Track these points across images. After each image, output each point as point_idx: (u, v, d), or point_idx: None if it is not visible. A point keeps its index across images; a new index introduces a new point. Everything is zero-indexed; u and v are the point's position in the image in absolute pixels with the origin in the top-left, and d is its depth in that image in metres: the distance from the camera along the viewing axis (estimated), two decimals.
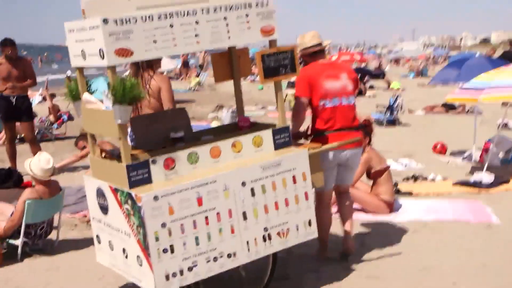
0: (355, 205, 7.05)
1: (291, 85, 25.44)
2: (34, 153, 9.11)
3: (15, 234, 5.84)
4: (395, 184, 8.34)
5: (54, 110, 14.66)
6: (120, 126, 4.01)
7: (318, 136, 5.35)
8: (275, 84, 4.70)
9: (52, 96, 16.24)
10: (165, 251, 4.04)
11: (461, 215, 7.30)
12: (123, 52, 3.97)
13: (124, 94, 3.92)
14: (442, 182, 9.15)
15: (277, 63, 4.61)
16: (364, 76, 26.62)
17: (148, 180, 4.12)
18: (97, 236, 4.69)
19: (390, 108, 15.75)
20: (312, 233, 4.73)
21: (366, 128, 7.18)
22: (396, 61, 55.66)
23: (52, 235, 6.33)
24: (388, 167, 7.50)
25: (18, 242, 5.82)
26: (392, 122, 15.58)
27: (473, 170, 9.49)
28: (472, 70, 12.22)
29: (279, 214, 4.52)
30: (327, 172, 5.32)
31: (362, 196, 7.31)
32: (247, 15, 4.42)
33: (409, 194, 8.35)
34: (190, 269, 4.14)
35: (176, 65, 33.65)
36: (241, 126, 4.97)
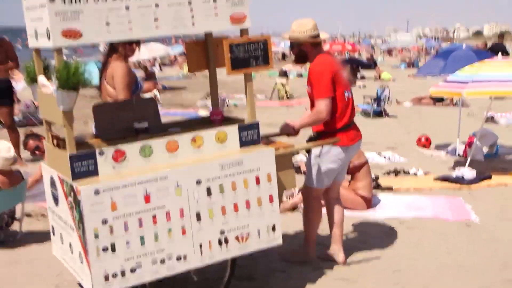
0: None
1: (283, 73, 25.69)
2: (12, 140, 8.88)
3: None
4: (376, 178, 8.13)
5: None
6: (64, 112, 3.70)
7: (342, 131, 4.99)
8: (245, 76, 4.30)
9: None
10: (105, 249, 3.70)
11: (440, 212, 7.00)
12: (71, 33, 3.62)
13: (67, 79, 3.59)
14: (424, 177, 8.86)
15: (247, 54, 4.20)
16: (356, 66, 26.92)
17: (93, 172, 3.78)
18: (52, 227, 4.39)
19: (377, 99, 15.59)
20: (276, 239, 4.33)
21: None
22: (389, 52, 55.80)
23: (16, 227, 5.99)
24: (366, 162, 7.13)
25: None
26: (379, 113, 15.45)
27: (456, 165, 9.18)
28: (457, 62, 11.73)
29: (238, 217, 4.14)
30: (333, 169, 5.05)
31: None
32: (215, 1, 4.04)
33: (389, 189, 8.03)
34: (133, 270, 3.80)
35: (168, 52, 32.99)
36: (213, 119, 4.60)
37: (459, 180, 8.28)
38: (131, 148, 3.89)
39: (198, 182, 3.96)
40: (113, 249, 3.72)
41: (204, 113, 15.93)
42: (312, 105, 5.06)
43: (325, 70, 4.92)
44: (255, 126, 4.32)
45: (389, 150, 10.84)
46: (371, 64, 30.56)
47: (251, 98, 4.31)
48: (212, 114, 4.61)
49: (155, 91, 18.94)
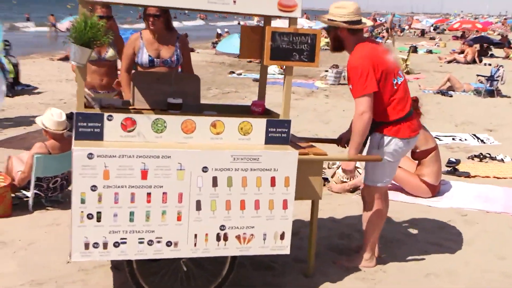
0: (395, 185, 6.25)
1: (413, 49, 24.86)
2: None
3: (29, 186, 5.38)
4: (456, 162, 7.41)
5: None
6: (78, 68, 3.37)
7: (404, 120, 4.19)
8: (286, 69, 3.73)
9: None
10: (90, 216, 3.32)
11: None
12: None
13: (82, 33, 3.26)
14: (511, 164, 7.68)
15: (291, 46, 3.61)
16: (486, 44, 26.22)
17: (98, 135, 3.40)
18: None
19: (491, 78, 14.63)
20: (283, 248, 3.69)
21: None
22: None
23: None
24: (435, 148, 6.23)
25: (29, 194, 5.38)
26: (491, 92, 14.46)
27: None
28: None
29: (244, 216, 3.57)
30: (393, 164, 4.30)
31: (402, 175, 6.14)
32: None
33: (467, 175, 7.07)
34: (116, 244, 3.39)
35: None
36: (252, 110, 4.08)
37: None
38: (144, 120, 3.46)
39: (204, 169, 3.45)
40: (99, 219, 3.33)
41: (320, 84, 15.88)
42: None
43: (362, 64, 4.04)
44: (286, 124, 3.71)
45: (487, 132, 9.94)
46: (504, 43, 28.47)
47: (287, 93, 3.71)
48: (253, 104, 4.08)
49: None
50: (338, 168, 6.53)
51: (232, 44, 23.77)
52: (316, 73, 18.00)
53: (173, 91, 4.00)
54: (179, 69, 5.28)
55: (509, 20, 64.31)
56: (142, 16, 5.20)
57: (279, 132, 3.69)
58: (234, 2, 3.45)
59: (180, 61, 5.14)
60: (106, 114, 3.42)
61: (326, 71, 16.86)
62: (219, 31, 32.08)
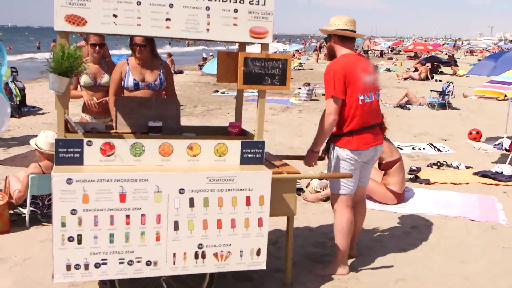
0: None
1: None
2: None
3: (25, 203, 4.98)
4: (417, 170, 7.18)
5: None
6: (57, 96, 3.01)
7: (352, 134, 3.88)
8: (258, 92, 3.39)
9: None
10: (70, 239, 2.94)
11: (469, 211, 5.69)
12: (75, 20, 2.92)
13: (59, 63, 2.90)
14: (465, 170, 7.43)
15: (263, 70, 3.27)
16: (436, 63, 26.50)
17: (78, 160, 3.04)
18: None
19: (442, 93, 14.63)
20: (259, 264, 3.33)
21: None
22: (471, 51, 54.51)
23: None
24: (398, 159, 5.91)
25: (25, 211, 4.97)
26: (443, 105, 14.35)
27: (500, 160, 7.86)
28: (506, 64, 9.86)
29: (220, 234, 3.21)
30: (354, 172, 3.94)
31: (370, 184, 5.70)
32: (235, 10, 3.13)
33: (427, 182, 6.78)
34: (97, 265, 3.01)
35: (285, 49, 32.64)
36: (229, 131, 3.73)
37: (497, 176, 6.89)
38: (122, 144, 3.10)
39: (181, 191, 3.08)
40: (79, 241, 2.95)
41: (294, 100, 15.55)
42: None
43: (336, 69, 3.80)
44: (260, 145, 3.35)
45: (441, 141, 9.68)
46: (451, 62, 28.51)
47: (261, 116, 3.37)
48: (230, 125, 3.73)
49: None
50: (311, 179, 6.20)
51: (216, 66, 23.35)
52: (290, 90, 17.74)
53: (154, 115, 3.64)
54: (163, 93, 4.93)
55: (450, 43, 65.21)
56: (129, 45, 4.83)
57: (253, 152, 3.34)
58: (208, 30, 3.11)
59: (163, 85, 4.78)
60: (85, 140, 3.05)
61: (300, 88, 16.59)
62: (204, 55, 31.76)
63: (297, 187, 5.97)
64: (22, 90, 11.34)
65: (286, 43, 47.37)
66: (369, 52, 34.72)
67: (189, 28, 3.07)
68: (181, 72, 24.82)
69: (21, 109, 11.22)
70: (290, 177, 3.46)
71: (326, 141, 4.07)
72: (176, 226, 3.12)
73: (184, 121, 11.46)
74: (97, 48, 4.99)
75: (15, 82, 11.19)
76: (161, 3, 3.00)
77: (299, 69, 28.74)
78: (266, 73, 3.26)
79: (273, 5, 3.19)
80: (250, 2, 3.14)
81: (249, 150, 3.33)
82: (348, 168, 3.91)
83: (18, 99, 11.11)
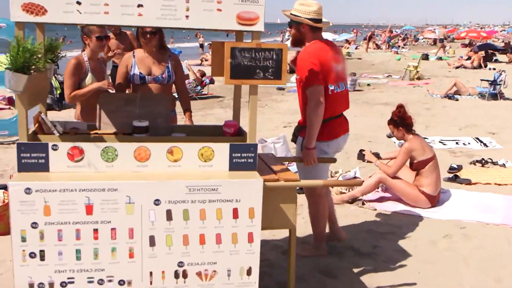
0: (395, 194, 5.37)
1: (424, 57, 23.72)
2: None
3: None
4: (458, 168, 6.48)
5: (200, 74, 14.09)
6: (18, 95, 2.63)
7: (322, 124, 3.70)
8: (250, 88, 2.90)
9: None
10: (32, 255, 2.57)
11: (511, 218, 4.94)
12: (33, 9, 2.52)
13: (15, 59, 2.51)
14: (511, 170, 6.56)
15: (253, 63, 2.76)
16: (491, 50, 24.70)
17: (43, 167, 2.65)
18: None
19: (494, 82, 13.37)
20: (251, 284, 2.83)
21: (402, 119, 5.24)
22: None
23: None
24: (432, 158, 5.23)
25: None
26: (495, 96, 13.17)
27: None
28: None
29: (204, 251, 2.74)
30: (323, 165, 3.84)
31: (401, 186, 5.21)
32: None
33: (468, 183, 6.00)
34: (63, 284, 2.61)
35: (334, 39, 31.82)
36: (224, 132, 3.25)
37: None
38: (92, 149, 2.70)
39: (157, 202, 2.65)
40: (42, 258, 2.57)
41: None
42: (301, 95, 3.82)
43: (313, 58, 3.64)
44: (252, 148, 2.86)
45: (489, 135, 8.74)
46: (507, 49, 26.55)
47: (252, 115, 2.86)
48: (225, 125, 3.26)
49: None
50: (338, 178, 5.63)
51: None
52: None
53: (142, 113, 3.22)
54: (173, 87, 4.52)
55: (510, 29, 61.28)
56: (136, 35, 4.43)
57: (244, 157, 2.86)
58: (187, 17, 2.64)
59: (172, 78, 4.36)
60: (50, 144, 2.66)
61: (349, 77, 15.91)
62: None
63: None
64: (62, 83, 11.29)
65: (337, 33, 46.15)
66: (444, 41, 33.01)
67: (165, 15, 2.60)
68: None
69: (61, 102, 11.18)
70: (288, 185, 2.94)
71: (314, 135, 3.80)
72: (152, 241, 2.68)
73: (219, 114, 11.12)
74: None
75: (55, 75, 11.15)
76: None
77: (347, 58, 27.82)
78: (258, 65, 2.76)
79: None
80: None
81: (239, 154, 2.85)
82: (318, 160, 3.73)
83: (58, 92, 11.07)
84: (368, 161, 5.45)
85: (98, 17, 2.56)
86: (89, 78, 4.28)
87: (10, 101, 10.96)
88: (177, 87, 4.53)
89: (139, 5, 2.58)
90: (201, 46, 35.13)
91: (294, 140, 3.98)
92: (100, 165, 2.71)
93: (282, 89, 15.44)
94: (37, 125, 2.96)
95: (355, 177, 5.45)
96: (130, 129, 3.11)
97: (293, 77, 16.47)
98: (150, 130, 3.15)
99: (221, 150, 2.82)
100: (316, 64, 3.61)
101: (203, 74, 14.13)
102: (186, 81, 13.48)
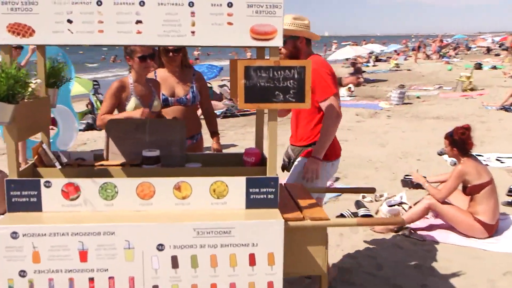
0: (446, 222, 4.77)
1: (478, 66, 22.27)
2: None
3: None
4: None
5: None
6: (5, 127, 2.34)
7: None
8: (269, 113, 2.49)
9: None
10: None
11: None
12: (20, 30, 2.23)
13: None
14: None
15: (272, 83, 2.38)
16: None
17: (35, 206, 2.34)
18: None
19: None
20: None
21: (463, 142, 4.68)
22: None
23: None
24: (488, 183, 4.59)
25: None
26: None
27: None
28: None
29: None
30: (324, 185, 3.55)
31: (454, 213, 4.62)
32: (230, 4, 2.28)
33: None
34: None
35: (383, 50, 31.33)
36: (244, 161, 2.86)
37: None
38: (89, 185, 2.36)
39: (160, 248, 2.29)
40: None
41: (384, 104, 14.10)
42: (308, 111, 3.45)
43: (323, 68, 3.38)
44: (272, 182, 2.45)
45: None
46: None
47: (272, 143, 2.44)
48: (245, 153, 2.86)
49: (351, 85, 17.76)
50: (381, 204, 5.11)
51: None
52: (382, 93, 16.40)
53: (154, 140, 2.89)
54: (198, 107, 4.18)
55: None
56: (158, 54, 4.10)
57: (263, 192, 2.45)
58: (193, 33, 2.28)
59: (197, 99, 4.02)
60: (42, 181, 2.34)
61: (391, 91, 15.21)
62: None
63: (366, 213, 4.95)
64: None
65: (386, 44, 44.94)
66: (508, 49, 31.72)
67: (168, 31, 2.25)
68: None
69: None
70: (315, 225, 2.50)
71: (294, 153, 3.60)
72: None
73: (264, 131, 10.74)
74: (147, 61, 3.75)
75: (96, 95, 11.16)
76: (129, 1, 2.23)
77: (396, 70, 26.93)
78: (277, 86, 2.36)
79: None
80: None
81: (257, 190, 2.44)
82: (321, 185, 3.46)
83: (99, 112, 11.08)
84: (413, 187, 4.91)
85: (92, 37, 2.24)
86: (132, 102, 3.74)
87: (53, 122, 11.04)
88: (202, 108, 4.18)
89: (138, 21, 2.24)
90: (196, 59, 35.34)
91: (286, 166, 3.62)
92: (98, 203, 2.37)
93: None
94: (36, 156, 2.68)
95: (400, 203, 4.92)
96: (140, 159, 2.79)
97: (341, 91, 15.83)
98: (163, 159, 2.81)
99: (236, 184, 2.42)
100: (330, 75, 3.39)
101: None
102: (227, 99, 13.22)
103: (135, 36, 2.26)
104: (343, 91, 16.70)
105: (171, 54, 3.90)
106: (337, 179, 6.50)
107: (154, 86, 3.90)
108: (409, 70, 26.41)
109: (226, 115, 12.89)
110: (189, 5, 2.25)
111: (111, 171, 2.67)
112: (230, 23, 2.28)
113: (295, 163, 3.48)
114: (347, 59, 27.27)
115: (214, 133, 4.11)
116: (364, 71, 23.01)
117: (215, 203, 2.43)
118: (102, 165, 2.75)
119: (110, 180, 2.37)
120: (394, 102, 14.24)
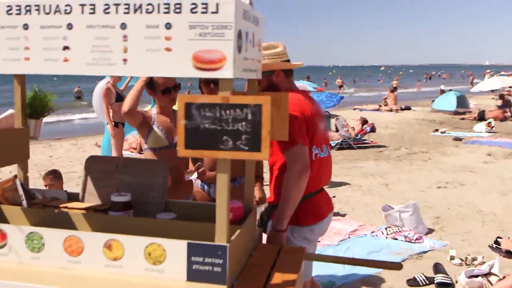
0: None
1: None
2: None
3: None
4: None
5: (361, 122, 12.92)
6: None
7: (303, 201, 2.68)
8: (218, 163, 1.90)
9: None
10: None
11: None
12: None
13: None
14: None
15: (219, 125, 1.83)
16: None
17: None
18: None
19: None
20: None
21: None
22: None
23: None
24: None
25: None
26: None
27: None
28: None
29: None
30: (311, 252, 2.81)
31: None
32: (168, 26, 1.81)
33: None
34: None
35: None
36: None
37: None
38: (16, 233, 2.02)
39: None
40: None
41: None
42: (274, 161, 2.82)
43: (295, 110, 2.65)
44: (219, 252, 1.86)
45: None
46: None
47: (222, 202, 1.87)
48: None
49: (491, 119, 15.80)
50: (461, 273, 4.07)
51: (447, 101, 20.87)
52: None
53: (133, 183, 2.50)
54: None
55: None
56: (199, 85, 3.75)
57: (208, 263, 1.87)
58: (125, 61, 1.84)
59: None
60: None
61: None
62: (442, 87, 28.83)
63: (443, 281, 4.03)
64: None
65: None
66: None
67: (97, 59, 1.85)
68: (408, 108, 22.74)
69: None
70: None
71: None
72: None
73: (369, 168, 9.81)
74: (172, 93, 3.53)
75: None
76: (56, 23, 1.88)
77: None
78: (225, 129, 1.80)
79: (233, 11, 1.75)
80: (192, 10, 1.77)
81: (200, 259, 1.88)
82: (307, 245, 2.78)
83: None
84: (506, 256, 3.85)
85: (17, 65, 1.93)
86: (153, 133, 3.53)
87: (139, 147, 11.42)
88: None
89: (65, 47, 1.88)
90: (340, 87, 34.22)
91: (261, 225, 2.84)
92: (25, 255, 2.02)
93: (460, 139, 13.39)
94: (0, 193, 2.45)
95: (488, 273, 3.87)
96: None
97: (479, 125, 14.20)
98: (139, 205, 2.42)
99: (176, 249, 1.89)
100: (300, 119, 2.68)
101: (364, 121, 13.01)
102: (343, 130, 12.50)
103: (62, 65, 1.89)
104: (481, 126, 14.92)
105: (212, 85, 3.53)
106: (430, 231, 5.50)
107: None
108: None
109: (342, 146, 12.19)
110: (121, 27, 1.83)
111: (71, 216, 2.33)
112: (168, 49, 1.80)
113: (268, 226, 2.81)
114: (492, 91, 24.66)
115: (258, 178, 3.60)
116: None
117: (150, 269, 1.93)
118: (66, 207, 2.43)
119: (37, 230, 2.02)
120: None
